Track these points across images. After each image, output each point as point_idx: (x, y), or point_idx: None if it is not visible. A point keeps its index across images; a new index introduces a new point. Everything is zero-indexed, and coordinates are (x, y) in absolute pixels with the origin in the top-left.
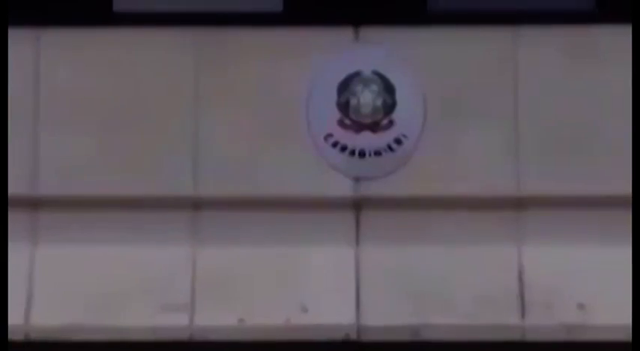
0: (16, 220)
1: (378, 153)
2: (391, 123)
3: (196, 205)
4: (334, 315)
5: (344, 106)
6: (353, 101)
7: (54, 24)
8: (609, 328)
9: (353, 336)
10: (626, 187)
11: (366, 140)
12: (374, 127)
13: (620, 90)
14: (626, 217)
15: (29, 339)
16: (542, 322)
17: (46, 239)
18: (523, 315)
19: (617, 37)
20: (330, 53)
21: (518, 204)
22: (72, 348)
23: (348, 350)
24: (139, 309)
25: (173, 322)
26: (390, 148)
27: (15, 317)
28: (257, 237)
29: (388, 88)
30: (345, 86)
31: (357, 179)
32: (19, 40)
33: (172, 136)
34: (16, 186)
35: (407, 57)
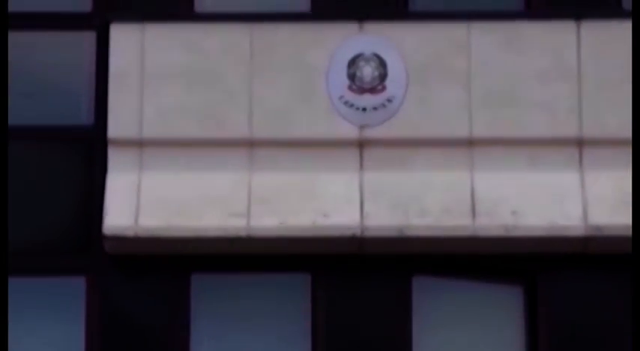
0: (128, 154)
1: (375, 108)
2: (384, 88)
3: (251, 144)
4: (346, 219)
5: (352, 77)
6: (358, 73)
7: (154, 19)
8: (533, 227)
9: (358, 233)
10: (544, 131)
11: (367, 100)
12: (372, 90)
13: (537, 66)
14: (546, 152)
15: (137, 235)
16: (487, 224)
17: (148, 167)
18: (474, 218)
19: (539, 30)
20: (342, 40)
21: (471, 143)
22: (167, 241)
23: (354, 243)
24: (212, 215)
25: (236, 224)
26: (383, 105)
27: (128, 220)
28: (291, 166)
29: (382, 64)
30: (352, 63)
31: (361, 126)
32: (130, 31)
33: (236, 95)
34: (128, 130)
35: (395, 43)
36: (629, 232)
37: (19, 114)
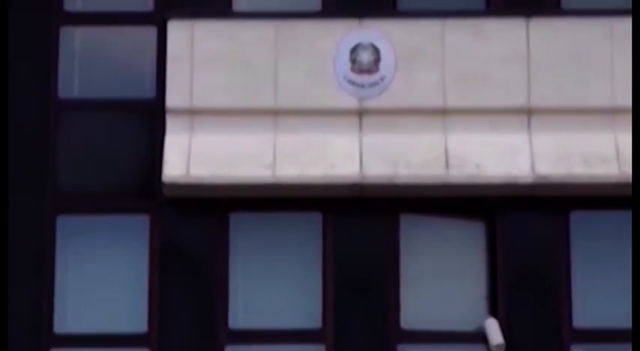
0: (181, 120)
1: (371, 85)
2: (378, 69)
3: (275, 113)
4: (349, 170)
5: (353, 61)
6: (357, 58)
7: (201, 17)
8: (492, 176)
9: (358, 181)
10: (502, 103)
11: (365, 79)
12: (369, 71)
13: (496, 52)
14: (503, 118)
15: (188, 182)
16: (456, 174)
17: (197, 131)
18: (447, 170)
19: (498, 25)
20: (346, 33)
21: (445, 112)
22: (211, 187)
23: (355, 189)
24: (246, 167)
25: (264, 174)
26: (377, 83)
27: (181, 171)
28: (306, 130)
29: (376, 51)
30: (353, 50)
31: (360, 99)
32: (182, 26)
33: (264, 75)
34: (182, 102)
35: (386, 34)
36: (567, 180)
37: (101, 90)
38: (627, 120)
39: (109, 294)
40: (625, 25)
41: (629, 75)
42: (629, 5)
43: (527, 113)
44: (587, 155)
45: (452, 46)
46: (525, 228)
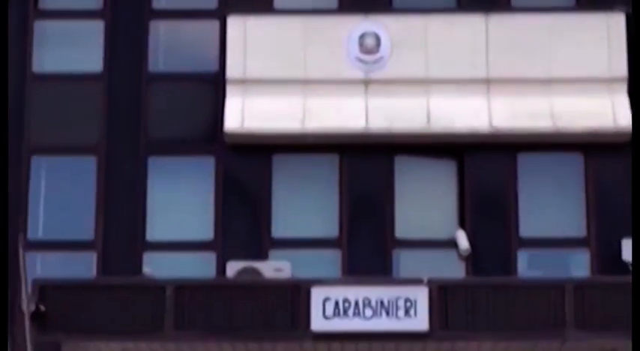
0: (237, 87)
1: (374, 62)
2: (379, 51)
3: (305, 82)
4: (358, 122)
5: (361, 45)
6: (364, 42)
7: (251, 13)
8: (462, 128)
9: (365, 132)
10: (468, 75)
11: (369, 57)
12: (372, 52)
13: (465, 40)
14: (469, 87)
15: (243, 132)
16: (436, 126)
17: (248, 94)
18: (429, 123)
19: (467, 19)
20: (356, 24)
21: (427, 82)
22: (259, 136)
23: (362, 137)
24: (283, 121)
25: (295, 126)
26: (378, 61)
27: (238, 123)
28: (328, 94)
29: (377, 38)
30: (361, 37)
31: (366, 72)
32: (237, 20)
33: (296, 55)
34: (237, 73)
35: (385, 26)
36: (515, 131)
37: (182, 65)
38: (561, 88)
39: (186, 213)
40: (563, 20)
41: (565, 54)
42: (568, 3)
43: (487, 83)
44: (529, 113)
45: (432, 34)
46: (485, 165)
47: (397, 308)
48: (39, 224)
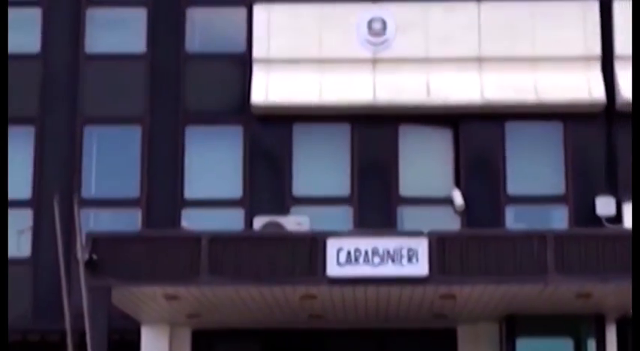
0: (262, 66)
1: (381, 43)
2: (385, 33)
3: (321, 60)
4: (367, 95)
5: (369, 28)
6: (372, 26)
7: (275, 0)
8: (456, 100)
9: (373, 103)
10: (463, 54)
11: (377, 39)
12: (379, 35)
13: (459, 23)
14: (464, 64)
15: (267, 104)
16: (434, 99)
17: (272, 71)
18: (429, 96)
19: (461, 6)
20: (366, 11)
21: (427, 60)
22: (281, 107)
23: (371, 108)
24: (301, 93)
25: (312, 98)
26: (384, 41)
27: (263, 96)
28: (340, 71)
29: (384, 22)
30: (370, 22)
31: (374, 52)
32: (263, 7)
33: (314, 37)
34: (263, 54)
35: (390, 12)
36: (503, 102)
37: (214, 46)
38: (544, 65)
39: (218, 174)
40: (546, 6)
41: (547, 35)
42: None
43: (479, 60)
44: (516, 87)
45: (431, 18)
46: (478, 133)
47: (401, 256)
48: (92, 185)
